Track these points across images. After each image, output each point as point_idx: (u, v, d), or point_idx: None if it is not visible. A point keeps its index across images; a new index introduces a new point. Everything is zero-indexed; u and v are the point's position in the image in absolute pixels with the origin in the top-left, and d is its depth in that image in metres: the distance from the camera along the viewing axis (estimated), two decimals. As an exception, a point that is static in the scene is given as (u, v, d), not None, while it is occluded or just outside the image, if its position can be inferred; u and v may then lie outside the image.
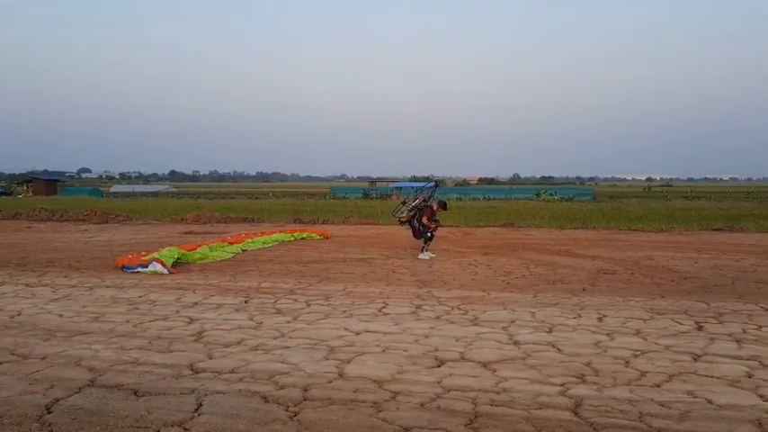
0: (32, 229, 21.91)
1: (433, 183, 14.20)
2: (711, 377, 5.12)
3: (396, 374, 5.15)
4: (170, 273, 10.82)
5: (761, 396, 4.65)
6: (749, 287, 9.66)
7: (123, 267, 11.12)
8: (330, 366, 5.37)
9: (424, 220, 13.27)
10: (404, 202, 14.21)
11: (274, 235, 17.32)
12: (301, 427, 4.00)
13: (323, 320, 7.24)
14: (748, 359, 5.66)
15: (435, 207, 13.63)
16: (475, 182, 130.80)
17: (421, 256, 13.23)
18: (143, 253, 11.95)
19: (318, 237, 18.15)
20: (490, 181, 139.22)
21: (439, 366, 5.41)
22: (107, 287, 9.46)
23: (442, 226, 15.39)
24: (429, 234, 13.41)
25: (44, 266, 11.74)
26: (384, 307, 8.02)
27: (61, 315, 7.46)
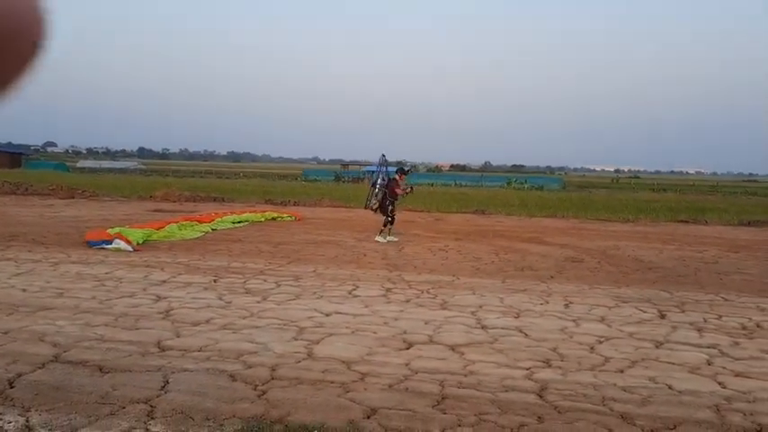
0: (-5, 202, 21.37)
1: (382, 154, 14.04)
2: (673, 364, 5.25)
3: (364, 356, 5.17)
4: (134, 250, 10.66)
5: (719, 383, 4.78)
6: (711, 278, 9.89)
7: (88, 243, 10.92)
8: (299, 347, 5.37)
9: (398, 191, 13.28)
10: (373, 185, 14.14)
11: (244, 215, 17.19)
12: (269, 405, 4.00)
13: (293, 301, 7.22)
14: (708, 347, 5.81)
15: (399, 177, 13.62)
16: (447, 168, 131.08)
17: (378, 238, 13.23)
18: (103, 230, 11.70)
19: (289, 218, 18.05)
20: (462, 168, 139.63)
21: (407, 349, 5.44)
22: (72, 263, 9.29)
23: (415, 211, 15.39)
24: (391, 218, 13.41)
25: (7, 240, 11.47)
26: (354, 289, 8.03)
27: (25, 290, 7.31)
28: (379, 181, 13.51)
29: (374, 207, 13.59)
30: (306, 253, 11.23)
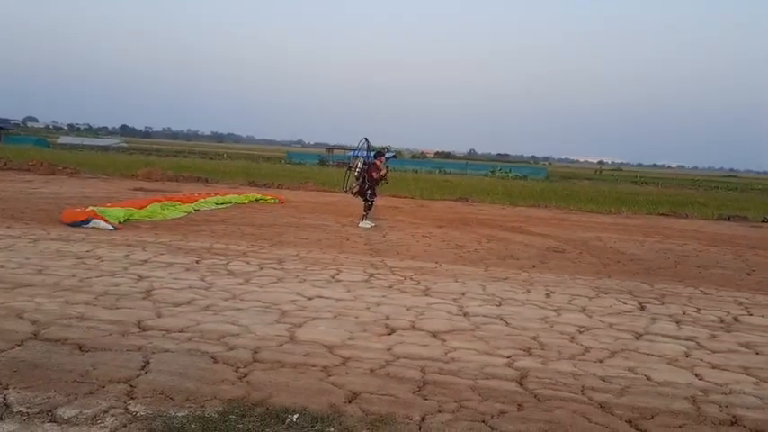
0: (-27, 176, 21.03)
1: (364, 138, 13.89)
2: (651, 355, 5.31)
3: (346, 340, 5.17)
4: (115, 229, 10.53)
5: (696, 375, 4.85)
6: (691, 271, 10.02)
7: (65, 224, 10.68)
8: (281, 330, 5.36)
9: (375, 175, 13.23)
10: (349, 168, 14.03)
11: (228, 196, 17.08)
12: (250, 388, 3.98)
13: (275, 284, 7.20)
14: (686, 339, 5.89)
15: (378, 161, 13.55)
16: (431, 155, 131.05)
17: (361, 224, 13.22)
18: (83, 208, 11.42)
19: (273, 201, 17.98)
20: (447, 155, 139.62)
21: (390, 334, 5.45)
22: (52, 240, 9.18)
23: (399, 197, 15.33)
24: (370, 202, 13.40)
25: (-15, 216, 11.29)
26: (337, 274, 8.02)
27: (2, 266, 7.20)
28: (359, 165, 13.39)
29: (354, 191, 13.54)
30: (289, 236, 11.19)
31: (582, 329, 6.00)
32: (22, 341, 4.61)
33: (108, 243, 9.20)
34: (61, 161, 29.32)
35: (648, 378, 4.69)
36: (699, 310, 7.20)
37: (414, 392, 4.10)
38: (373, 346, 5.05)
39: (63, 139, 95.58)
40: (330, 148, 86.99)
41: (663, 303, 7.44)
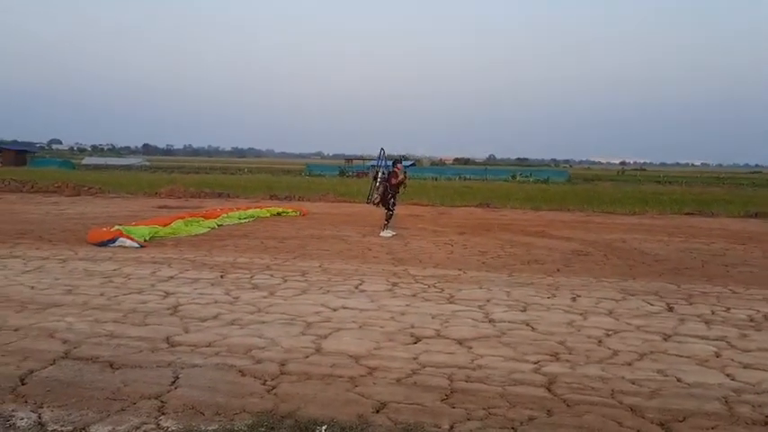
0: (2, 200, 21.47)
1: (381, 148, 14.13)
2: (681, 356, 5.25)
3: (372, 350, 5.19)
4: (141, 246, 10.68)
5: (728, 375, 4.78)
6: (718, 270, 9.87)
7: (92, 244, 10.85)
8: (307, 341, 5.39)
9: (394, 180, 13.35)
10: (374, 178, 14.18)
11: (250, 210, 17.22)
12: (279, 400, 4.02)
13: (299, 296, 7.24)
14: (716, 340, 5.80)
15: (396, 168, 13.68)
16: (450, 162, 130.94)
17: (383, 233, 13.26)
18: (109, 228, 11.62)
19: (294, 213, 18.08)
20: (466, 161, 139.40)
21: (415, 343, 5.45)
22: (80, 260, 9.33)
23: (419, 205, 15.36)
24: (391, 211, 13.47)
25: (15, 238, 11.53)
26: (360, 284, 8.04)
27: (33, 287, 7.35)
28: (379, 175, 13.55)
29: (376, 201, 13.64)
30: (311, 248, 11.24)
31: (609, 333, 5.95)
32: (55, 360, 4.70)
33: (134, 261, 9.33)
34: (86, 182, 29.78)
35: (679, 380, 4.64)
36: (728, 309, 7.10)
37: (441, 401, 4.10)
38: (399, 356, 5.06)
39: (87, 160, 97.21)
40: (349, 159, 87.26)
41: (691, 304, 7.35)
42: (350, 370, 4.67)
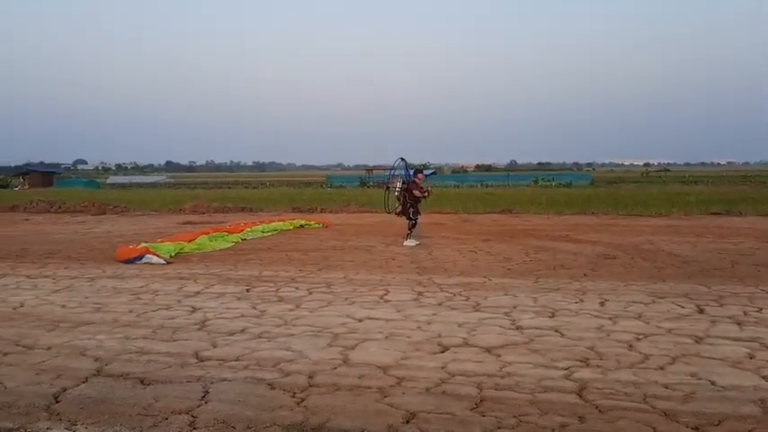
0: (30, 221, 21.88)
1: (400, 158, 14.06)
2: (714, 359, 5.15)
3: (400, 360, 5.18)
4: (167, 263, 10.80)
5: (763, 377, 4.68)
6: (749, 270, 9.70)
7: (120, 261, 11.01)
8: (334, 353, 5.40)
9: (417, 193, 13.32)
10: (387, 188, 14.18)
11: (273, 224, 17.33)
12: (308, 413, 4.02)
13: (325, 308, 7.26)
14: (749, 341, 5.69)
15: (418, 178, 13.66)
16: (472, 168, 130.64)
17: (406, 243, 13.24)
18: (135, 245, 11.81)
19: (317, 225, 18.17)
20: (487, 167, 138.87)
21: (443, 352, 5.43)
22: (108, 278, 9.46)
23: (442, 213, 15.33)
24: (414, 220, 13.45)
25: (44, 258, 11.74)
26: (386, 294, 8.04)
27: (64, 306, 7.47)
28: (398, 185, 13.52)
29: (397, 211, 13.65)
30: (335, 259, 11.27)
31: (640, 336, 5.87)
32: (87, 378, 4.76)
33: (161, 277, 9.43)
34: (111, 200, 30.22)
35: (713, 383, 4.56)
36: (760, 309, 6.96)
37: (471, 409, 4.07)
38: (427, 365, 5.04)
39: (112, 179, 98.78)
40: (369, 169, 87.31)
41: (722, 305, 7.22)
42: (378, 380, 4.66)
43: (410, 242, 13.22)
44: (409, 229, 13.47)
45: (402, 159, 13.89)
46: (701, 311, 6.90)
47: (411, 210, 13.40)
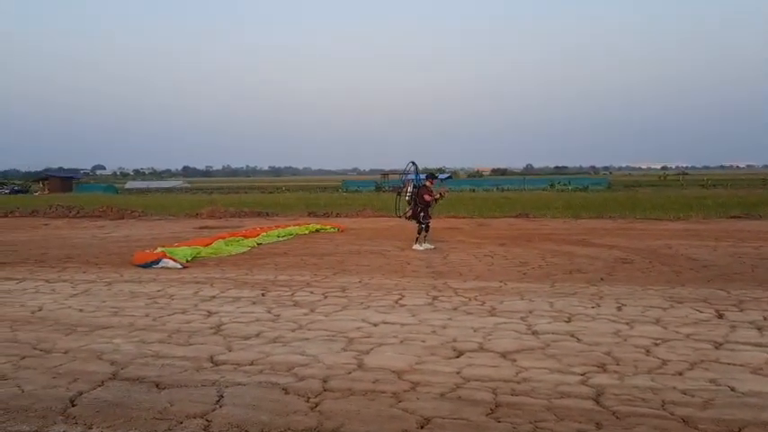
0: (49, 225, 22.13)
1: (411, 162, 14.06)
2: (733, 365, 5.07)
3: (415, 365, 5.15)
4: (183, 267, 10.87)
5: (785, 383, 4.60)
6: (769, 274, 9.55)
7: (137, 266, 11.12)
8: (349, 357, 5.38)
9: (427, 197, 13.29)
10: (399, 193, 14.19)
11: (289, 228, 17.38)
12: (323, 417, 4.01)
13: (340, 312, 7.25)
14: (771, 346, 5.60)
15: (429, 183, 13.63)
16: (488, 173, 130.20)
17: (416, 246, 13.21)
18: (152, 249, 11.93)
19: (333, 230, 18.19)
20: (503, 172, 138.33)
21: (458, 357, 5.40)
22: (125, 282, 9.53)
23: (458, 217, 15.27)
24: (425, 225, 13.41)
25: (62, 262, 11.86)
26: (400, 298, 8.02)
27: (81, 310, 7.53)
28: (409, 189, 13.53)
29: (408, 215, 13.64)
30: (350, 264, 11.27)
31: (657, 342, 5.79)
32: (103, 381, 4.79)
33: (177, 281, 9.48)
34: (129, 205, 30.53)
35: (732, 389, 4.48)
36: (782, 314, 6.85)
37: (487, 415, 4.04)
38: (442, 370, 5.01)
39: (130, 184, 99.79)
40: (385, 174, 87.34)
41: (742, 310, 7.11)
42: (392, 385, 4.64)
43: (419, 246, 13.19)
44: (418, 233, 13.45)
45: (413, 163, 13.90)
46: (720, 316, 6.80)
47: (422, 214, 13.38)
